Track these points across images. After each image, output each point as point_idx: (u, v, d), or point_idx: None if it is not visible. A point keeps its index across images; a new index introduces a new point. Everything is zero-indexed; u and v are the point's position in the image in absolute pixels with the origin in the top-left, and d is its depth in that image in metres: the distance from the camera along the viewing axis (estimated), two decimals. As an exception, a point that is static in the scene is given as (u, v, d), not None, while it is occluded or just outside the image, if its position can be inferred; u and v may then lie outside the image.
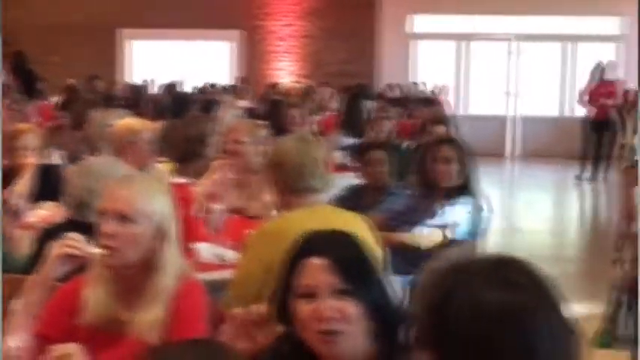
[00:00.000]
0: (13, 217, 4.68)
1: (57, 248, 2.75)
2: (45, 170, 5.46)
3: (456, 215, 4.92)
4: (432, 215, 4.99)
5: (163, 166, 5.27)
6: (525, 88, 18.42)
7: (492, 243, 7.04)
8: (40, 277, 2.79)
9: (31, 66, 15.32)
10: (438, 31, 18.86)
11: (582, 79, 15.70)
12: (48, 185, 5.14)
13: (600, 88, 14.55)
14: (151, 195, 2.80)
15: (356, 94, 11.54)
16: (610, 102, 14.71)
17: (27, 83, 14.07)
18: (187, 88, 15.95)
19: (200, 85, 16.07)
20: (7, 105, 8.36)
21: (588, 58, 16.78)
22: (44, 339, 2.68)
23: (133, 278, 2.77)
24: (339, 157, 7.92)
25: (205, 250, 4.21)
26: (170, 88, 14.77)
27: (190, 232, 4.23)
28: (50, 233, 3.43)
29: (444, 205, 4.99)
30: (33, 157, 5.43)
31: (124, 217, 2.73)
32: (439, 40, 18.98)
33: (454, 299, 1.51)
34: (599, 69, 14.87)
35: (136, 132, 5.13)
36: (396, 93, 15.95)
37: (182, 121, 5.59)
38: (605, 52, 17.73)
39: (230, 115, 7.65)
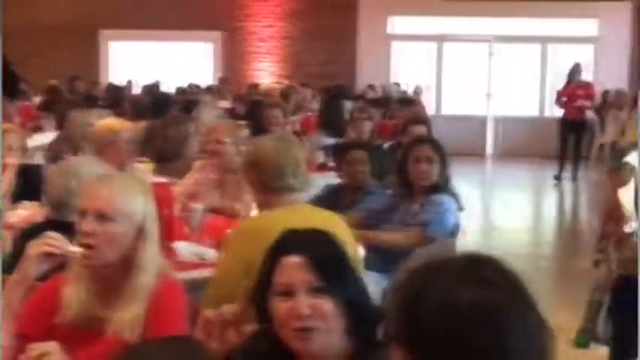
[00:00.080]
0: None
1: (36, 247, 2.74)
2: (26, 170, 5.43)
3: (433, 214, 4.94)
4: (410, 214, 5.01)
5: (143, 166, 5.26)
6: (503, 89, 18.49)
7: (470, 241, 7.10)
8: (19, 276, 2.77)
9: (13, 67, 15.23)
10: (417, 32, 18.90)
11: (560, 80, 15.79)
12: (29, 185, 5.12)
13: (576, 90, 14.64)
14: (130, 194, 2.79)
15: (335, 94, 11.53)
16: (588, 103, 14.80)
17: (9, 84, 13.98)
18: (168, 88, 15.90)
19: (181, 85, 16.03)
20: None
21: (565, 59, 16.87)
22: (24, 338, 2.67)
23: (113, 277, 2.76)
24: (319, 156, 7.92)
25: (185, 249, 4.21)
26: (151, 88, 14.72)
27: (170, 232, 4.24)
28: (30, 233, 3.41)
29: (422, 205, 5.01)
30: (14, 157, 5.41)
31: (103, 216, 2.72)
32: (418, 41, 19.03)
33: (427, 297, 1.50)
34: (575, 71, 14.96)
35: (116, 132, 5.12)
36: (377, 94, 15.96)
37: (162, 121, 5.57)
38: (582, 54, 17.84)
39: (210, 115, 7.63)
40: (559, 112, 15.14)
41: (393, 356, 1.54)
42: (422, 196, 5.03)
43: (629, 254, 4.00)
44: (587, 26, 18.59)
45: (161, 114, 7.60)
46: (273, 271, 2.23)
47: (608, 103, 16.49)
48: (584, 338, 4.31)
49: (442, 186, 5.07)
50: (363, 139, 7.84)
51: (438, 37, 18.71)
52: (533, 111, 18.52)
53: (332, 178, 6.18)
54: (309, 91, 13.90)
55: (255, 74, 18.52)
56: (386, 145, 7.85)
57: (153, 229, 2.81)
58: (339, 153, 6.19)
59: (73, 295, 2.74)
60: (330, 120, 9.10)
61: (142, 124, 6.17)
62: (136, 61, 18.81)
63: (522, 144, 17.52)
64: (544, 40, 18.54)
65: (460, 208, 5.29)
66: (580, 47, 18.41)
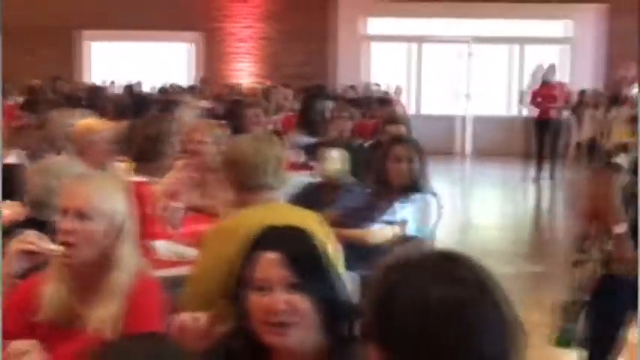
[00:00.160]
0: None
1: (16, 245, 2.73)
2: (6, 170, 5.40)
3: (409, 212, 4.95)
4: (386, 212, 5.02)
5: (124, 165, 5.24)
6: (481, 89, 18.57)
7: (445, 239, 7.11)
8: (-1, 275, 2.76)
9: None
10: (392, 33, 18.94)
11: (535, 81, 15.87)
12: (9, 185, 5.09)
13: (543, 90, 14.71)
14: (108, 193, 2.79)
15: (313, 94, 11.54)
16: (559, 104, 14.87)
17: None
18: (147, 88, 15.87)
19: (161, 85, 15.99)
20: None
21: (539, 60, 16.96)
22: (3, 335, 2.66)
23: (91, 275, 2.75)
24: (297, 155, 7.91)
25: (164, 247, 4.20)
26: (130, 88, 14.68)
27: (149, 230, 4.23)
28: (9, 232, 3.40)
29: (398, 203, 5.01)
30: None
31: (81, 215, 2.72)
32: (394, 42, 19.07)
33: (399, 294, 1.50)
34: (543, 71, 15.03)
35: (96, 132, 5.10)
36: (358, 93, 15.99)
37: (142, 121, 5.56)
38: (554, 55, 17.96)
39: (191, 115, 7.61)
40: (535, 112, 15.19)
41: (367, 353, 1.54)
42: (398, 195, 5.04)
43: (616, 253, 3.96)
44: (562, 27, 18.70)
45: (142, 114, 7.59)
46: (251, 267, 2.23)
47: (585, 102, 16.59)
48: (566, 337, 4.28)
49: (420, 184, 5.08)
50: (342, 138, 7.84)
51: (416, 38, 18.75)
52: (510, 111, 18.60)
53: (311, 177, 6.18)
54: (289, 91, 13.91)
55: (233, 74, 18.51)
56: (365, 144, 7.86)
57: (131, 228, 2.81)
58: (317, 152, 6.19)
59: (53, 293, 2.73)
60: (311, 119, 9.10)
61: (123, 124, 6.14)
62: (116, 61, 18.75)
63: (499, 143, 17.60)
64: (520, 41, 18.63)
65: (439, 207, 5.29)
66: (555, 48, 18.52)
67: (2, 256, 2.79)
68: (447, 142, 17.78)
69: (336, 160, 5.72)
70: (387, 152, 5.11)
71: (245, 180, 3.59)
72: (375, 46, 19.01)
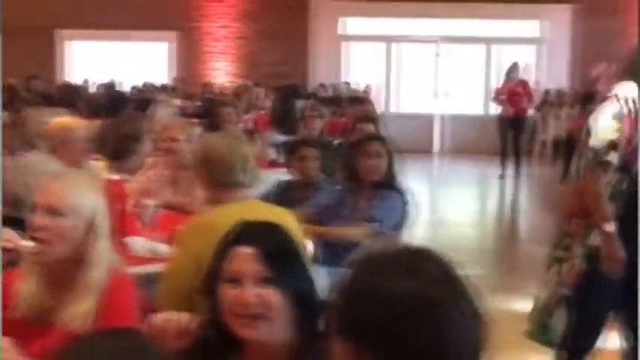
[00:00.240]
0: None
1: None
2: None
3: (381, 209, 4.96)
4: (359, 209, 5.03)
5: (98, 164, 5.22)
6: (452, 88, 18.64)
7: (418, 235, 7.13)
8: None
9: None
10: (367, 33, 18.97)
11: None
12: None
13: (506, 88, 14.75)
14: (81, 190, 2.79)
15: (288, 93, 11.55)
16: (528, 102, 14.94)
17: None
18: (125, 87, 15.79)
19: (136, 84, 15.92)
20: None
21: (509, 59, 17.03)
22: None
23: (64, 271, 2.75)
24: (271, 153, 7.92)
25: (138, 244, 4.19)
26: (107, 87, 14.60)
27: (124, 227, 4.22)
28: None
29: (371, 200, 5.03)
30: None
31: (54, 211, 2.72)
32: (369, 42, 19.10)
33: (367, 290, 1.50)
34: (513, 69, 15.09)
35: (70, 130, 5.07)
36: (329, 93, 16.00)
37: (118, 120, 5.54)
38: (525, 54, 18.06)
39: (165, 113, 7.59)
40: (501, 110, 15.23)
41: (333, 348, 1.55)
42: (370, 192, 5.05)
43: (607, 251, 3.91)
44: (530, 28, 18.81)
45: (116, 112, 7.56)
46: (225, 260, 2.24)
47: (549, 101, 16.71)
48: (544, 333, 4.24)
49: (390, 182, 5.10)
50: (313, 136, 7.85)
51: (388, 37, 18.79)
52: (478, 109, 18.69)
53: (283, 175, 6.18)
54: (262, 90, 13.90)
55: (210, 74, 18.47)
56: (336, 143, 7.88)
57: (103, 224, 2.80)
58: (290, 150, 6.19)
59: (26, 289, 2.73)
60: (283, 118, 9.12)
61: (97, 123, 6.11)
62: (93, 60, 18.65)
63: (468, 141, 17.68)
64: (489, 41, 18.71)
65: (407, 203, 5.31)
66: (523, 48, 18.63)
67: None
68: (422, 140, 17.83)
69: (307, 158, 5.73)
70: (358, 149, 5.13)
71: (218, 177, 3.59)
72: (351, 46, 19.04)
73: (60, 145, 4.95)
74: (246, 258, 2.22)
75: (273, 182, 5.82)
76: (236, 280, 2.21)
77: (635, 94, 3.95)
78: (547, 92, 17.24)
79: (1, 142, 4.44)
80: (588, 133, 3.98)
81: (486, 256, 9.00)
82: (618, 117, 3.91)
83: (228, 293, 2.21)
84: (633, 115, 3.92)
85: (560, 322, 4.14)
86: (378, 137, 5.45)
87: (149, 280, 3.58)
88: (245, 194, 3.62)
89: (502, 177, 14.36)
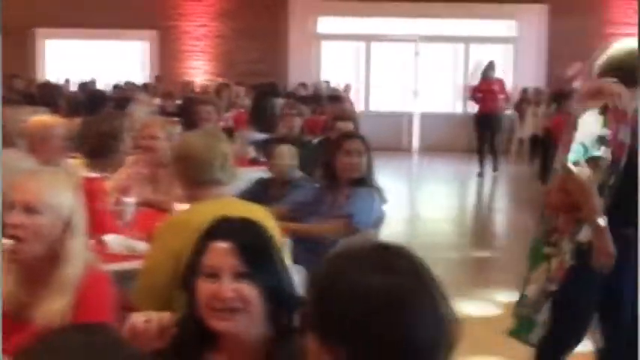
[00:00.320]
0: None
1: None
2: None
3: (357, 206, 4.96)
4: (336, 206, 5.03)
5: (76, 162, 5.19)
6: (428, 87, 18.69)
7: (396, 231, 7.16)
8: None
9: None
10: (344, 32, 18.99)
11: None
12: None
13: (482, 86, 14.80)
14: (58, 188, 2.77)
15: (266, 91, 11.54)
16: (505, 101, 14.99)
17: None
18: (103, 86, 15.73)
19: (116, 83, 15.87)
20: None
21: (488, 58, 17.08)
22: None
23: (40, 269, 2.74)
24: (249, 151, 7.91)
25: (116, 241, 4.17)
26: (86, 86, 14.54)
27: (102, 225, 4.20)
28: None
29: (349, 197, 5.03)
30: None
31: (30, 209, 2.71)
32: (347, 40, 19.12)
33: (337, 283, 1.51)
34: (489, 68, 15.13)
35: (49, 128, 5.04)
36: (308, 91, 16.01)
37: (96, 118, 5.52)
38: (501, 54, 18.13)
39: (144, 111, 7.57)
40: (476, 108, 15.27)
41: (307, 343, 1.55)
42: (347, 189, 5.06)
43: (599, 246, 3.85)
44: (506, 27, 18.88)
45: (96, 111, 7.53)
46: (202, 255, 2.25)
47: (527, 100, 16.78)
48: (529, 328, 4.19)
49: (366, 179, 5.11)
50: (292, 134, 7.85)
51: (366, 36, 18.81)
52: (456, 108, 18.75)
53: (262, 173, 6.18)
54: (241, 88, 13.89)
55: (188, 72, 18.44)
56: (314, 141, 7.88)
57: (80, 222, 2.79)
58: (268, 148, 6.19)
59: (1, 286, 2.71)
60: (261, 116, 9.09)
61: (76, 121, 6.09)
62: (72, 59, 18.57)
63: (446, 139, 17.74)
64: (466, 40, 18.78)
65: (383, 201, 5.32)
66: (499, 47, 18.71)
67: None
68: (396, 138, 17.89)
69: (285, 156, 5.73)
70: (337, 146, 5.13)
71: (195, 175, 3.58)
72: (327, 45, 19.05)
73: (39, 144, 4.93)
74: (223, 253, 2.23)
75: (251, 180, 5.81)
76: (213, 275, 2.22)
77: (620, 90, 3.94)
78: (525, 91, 17.32)
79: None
80: (575, 128, 3.94)
81: (463, 254, 9.03)
82: (602, 111, 3.90)
83: (205, 287, 2.22)
84: (619, 109, 3.90)
85: (543, 316, 4.10)
86: (357, 135, 5.46)
87: (126, 277, 3.57)
88: (222, 192, 3.61)
89: (480, 175, 14.39)
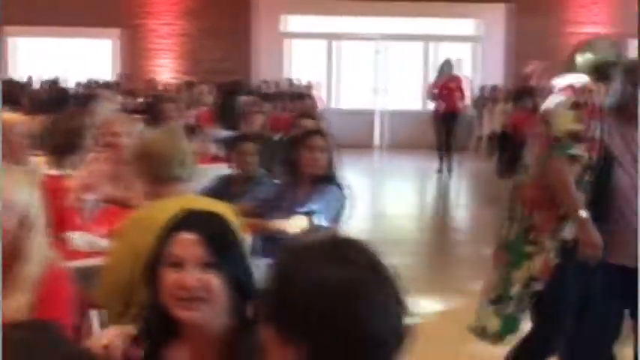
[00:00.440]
0: None
1: None
2: None
3: (321, 202, 4.96)
4: (299, 203, 5.03)
5: (38, 159, 5.14)
6: (391, 85, 18.75)
7: (358, 227, 7.17)
8: None
9: None
10: (310, 30, 19.00)
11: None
12: None
13: (447, 83, 14.84)
14: (15, 186, 2.74)
15: (230, 89, 11.51)
16: (461, 98, 15.04)
17: None
18: (70, 84, 15.61)
19: (82, 81, 15.75)
20: None
21: (448, 56, 17.19)
22: None
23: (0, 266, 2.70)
24: (213, 148, 7.89)
25: (79, 238, 4.15)
26: (50, 84, 14.40)
27: (65, 222, 4.17)
28: None
29: (310, 193, 5.03)
30: None
31: (-11, 207, 2.67)
32: (311, 39, 19.13)
33: (294, 276, 1.51)
34: (445, 65, 15.20)
35: (10, 126, 4.98)
36: (271, 89, 15.98)
37: (60, 116, 5.48)
38: (462, 52, 18.24)
39: (107, 109, 7.51)
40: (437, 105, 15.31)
41: (264, 334, 1.55)
42: (309, 186, 5.06)
43: (584, 238, 3.81)
44: (467, 26, 19.00)
45: (59, 109, 7.45)
46: (167, 246, 2.26)
47: (485, 98, 16.90)
48: (511, 326, 4.15)
49: (329, 176, 5.11)
50: (254, 131, 7.83)
51: (332, 35, 18.84)
52: (417, 105, 18.83)
53: (225, 170, 6.16)
54: (205, 86, 13.83)
55: (154, 70, 18.37)
56: (276, 138, 7.87)
57: (38, 220, 2.76)
58: (231, 145, 6.17)
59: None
60: (225, 114, 9.08)
61: (39, 119, 6.03)
62: (38, 57, 18.42)
63: (407, 136, 17.82)
64: (427, 39, 18.87)
65: (345, 197, 5.32)
66: (460, 45, 18.82)
67: None
68: (362, 135, 17.93)
69: (248, 153, 5.73)
70: (301, 143, 5.13)
71: (156, 172, 3.57)
72: (294, 43, 19.05)
73: (-1, 141, 4.86)
74: (188, 243, 2.24)
75: (214, 177, 5.79)
76: (178, 265, 2.23)
77: (594, 86, 3.96)
78: (482, 88, 17.43)
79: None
80: (546, 125, 3.93)
81: (424, 248, 9.07)
82: (574, 107, 3.89)
83: (170, 277, 2.23)
84: (595, 105, 3.90)
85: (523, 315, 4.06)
86: (320, 132, 5.46)
87: (88, 274, 3.55)
88: (184, 189, 3.60)
89: (440, 171, 14.46)
